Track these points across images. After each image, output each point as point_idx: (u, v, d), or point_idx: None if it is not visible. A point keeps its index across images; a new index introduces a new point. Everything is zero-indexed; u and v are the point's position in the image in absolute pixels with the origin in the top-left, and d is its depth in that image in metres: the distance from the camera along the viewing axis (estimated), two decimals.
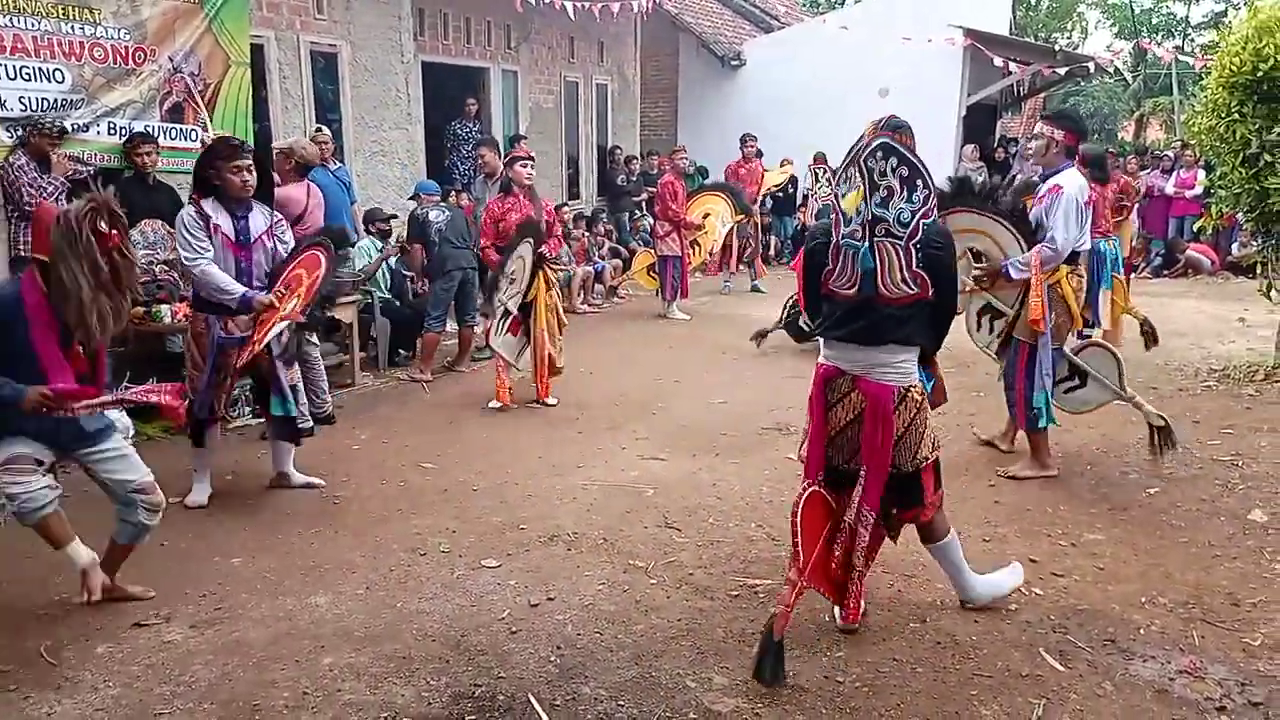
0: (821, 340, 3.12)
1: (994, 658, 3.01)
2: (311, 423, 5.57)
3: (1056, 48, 19.10)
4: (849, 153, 2.91)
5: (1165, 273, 11.64)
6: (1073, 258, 4.47)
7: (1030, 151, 4.64)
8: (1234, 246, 11.09)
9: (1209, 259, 11.32)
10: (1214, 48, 7.14)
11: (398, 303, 7.52)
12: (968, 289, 4.57)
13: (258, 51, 7.56)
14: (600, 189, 12.70)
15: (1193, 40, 26.88)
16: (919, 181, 2.83)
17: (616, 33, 12.72)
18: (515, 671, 2.97)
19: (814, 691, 2.84)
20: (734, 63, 14.84)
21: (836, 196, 2.98)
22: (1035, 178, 4.77)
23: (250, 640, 3.18)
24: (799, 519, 2.98)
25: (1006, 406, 4.76)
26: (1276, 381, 5.98)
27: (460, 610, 3.37)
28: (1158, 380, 6.29)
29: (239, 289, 4.14)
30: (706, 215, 9.60)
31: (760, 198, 11.20)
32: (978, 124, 14.92)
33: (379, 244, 7.49)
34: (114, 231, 2.92)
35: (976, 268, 4.50)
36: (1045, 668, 2.95)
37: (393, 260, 7.84)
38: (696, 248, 9.62)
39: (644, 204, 12.55)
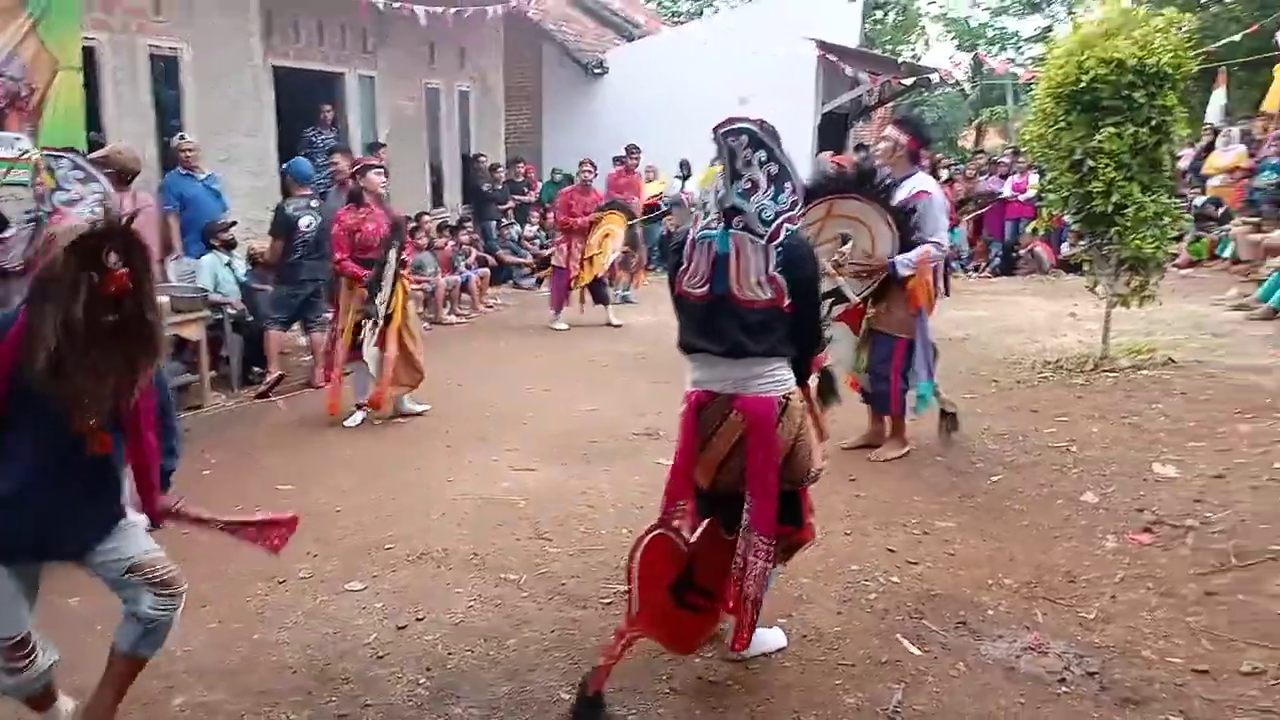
0: (688, 359, 2.88)
1: (856, 647, 3.13)
2: None
3: (902, 60, 20.06)
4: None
5: (1016, 271, 12.34)
6: None
7: (878, 152, 4.84)
8: (1063, 246, 11.89)
9: (1048, 257, 12.11)
10: (1042, 60, 7.65)
11: (250, 318, 7.19)
12: (825, 272, 4.73)
13: (90, 55, 7.09)
14: (465, 197, 12.53)
15: (1023, 53, 28.71)
16: (788, 184, 2.67)
17: (478, 39, 12.57)
18: (383, 698, 2.88)
19: (687, 693, 2.87)
20: (597, 70, 14.92)
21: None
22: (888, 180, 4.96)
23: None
24: (637, 563, 2.79)
25: (872, 399, 4.98)
26: (1104, 371, 6.44)
27: (323, 638, 3.25)
28: (999, 374, 6.68)
29: None
30: (606, 236, 9.34)
31: (645, 208, 11.24)
32: (831, 132, 15.50)
33: (224, 259, 7.15)
34: (122, 270, 2.13)
35: (840, 253, 4.69)
36: (903, 653, 3.08)
37: (243, 272, 7.51)
38: (589, 265, 9.29)
39: (509, 212, 12.46)
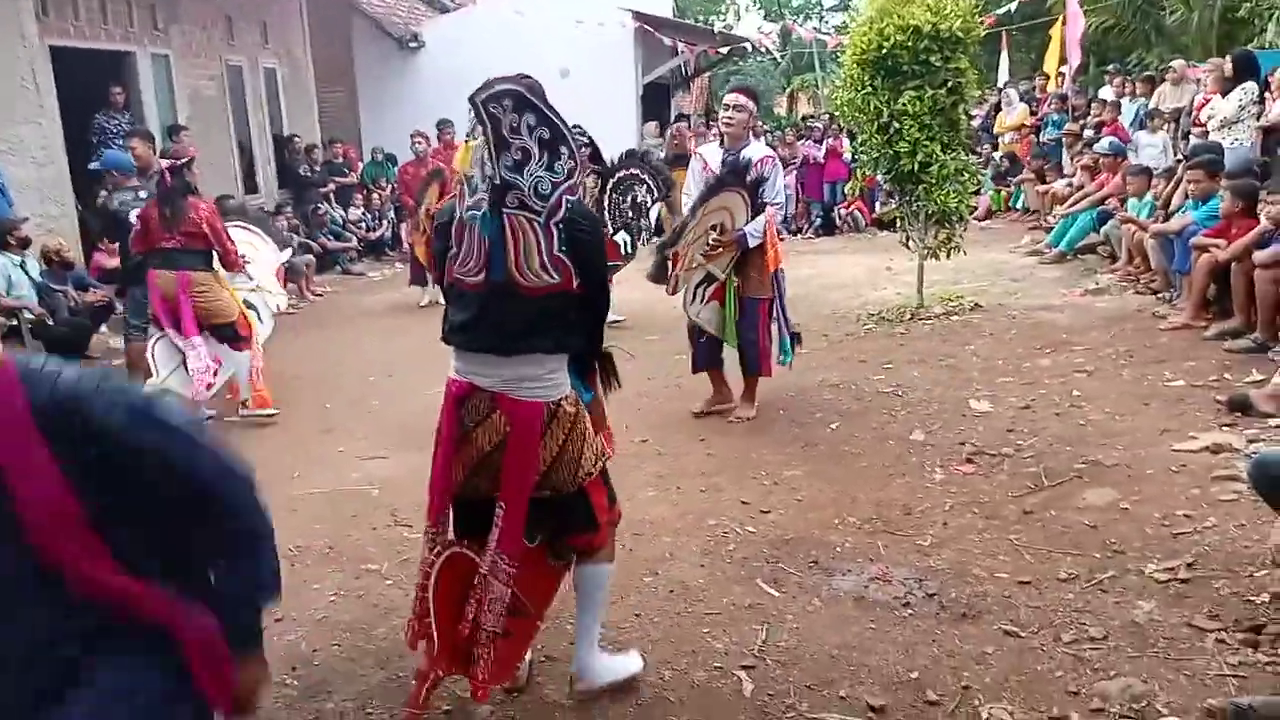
0: (452, 351, 2.53)
1: (720, 595, 3.27)
2: None
3: (715, 30, 20.55)
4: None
5: (836, 231, 12.94)
6: None
7: (733, 123, 4.80)
8: (875, 204, 12.62)
9: (863, 216, 12.80)
10: (844, 28, 8.05)
11: (50, 321, 6.62)
12: (696, 265, 4.86)
13: None
14: (281, 181, 11.91)
15: (826, 21, 30.05)
16: (563, 149, 2.29)
17: (280, 12, 11.93)
18: None
19: (561, 659, 2.92)
20: (411, 44, 14.49)
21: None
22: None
23: None
24: (431, 589, 2.46)
25: (742, 364, 5.06)
26: (921, 319, 6.93)
27: None
28: (828, 328, 7.05)
29: None
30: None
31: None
32: (653, 103, 15.72)
33: (16, 259, 6.54)
34: None
35: (714, 240, 4.77)
36: (764, 596, 3.25)
37: (37, 273, 6.91)
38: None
39: (330, 195, 11.96)
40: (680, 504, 4.07)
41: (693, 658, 2.90)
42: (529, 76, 2.33)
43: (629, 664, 2.79)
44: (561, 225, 2.32)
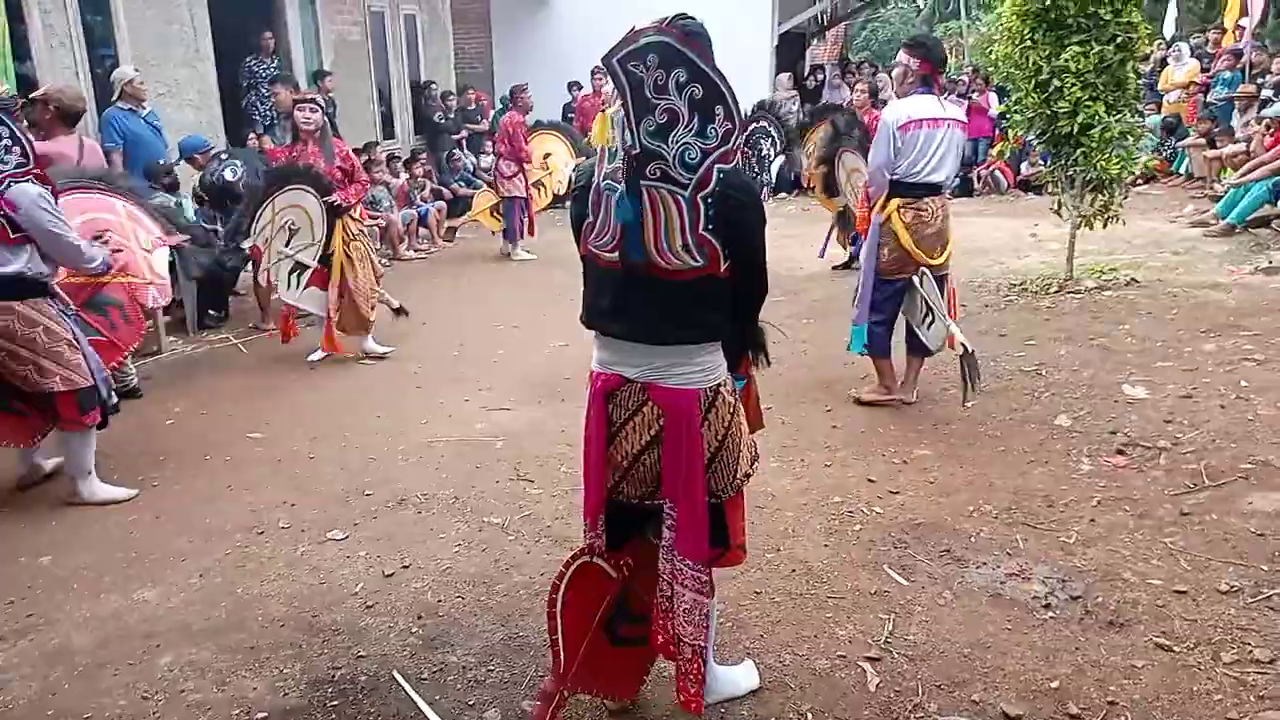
0: (594, 336, 2.28)
1: (844, 579, 3.16)
2: (115, 399, 5.11)
3: None
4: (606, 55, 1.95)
5: (973, 192, 12.26)
6: (912, 189, 4.44)
7: (894, 78, 4.54)
8: (1022, 165, 11.92)
9: (1006, 178, 12.10)
10: None
11: (203, 259, 6.94)
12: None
13: None
14: (416, 127, 12.13)
15: None
16: (718, 109, 1.93)
17: None
18: (376, 648, 2.85)
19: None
20: None
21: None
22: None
23: (74, 646, 2.90)
24: (560, 604, 2.33)
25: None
26: (1069, 293, 6.51)
27: (309, 589, 3.20)
28: (966, 298, 6.67)
29: (100, 252, 3.97)
30: (547, 155, 9.58)
31: None
32: (788, 53, 15.24)
33: (170, 200, 6.86)
34: None
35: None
36: (891, 584, 3.12)
37: (193, 212, 7.24)
38: (541, 188, 9.54)
39: (463, 142, 12.12)
40: (804, 477, 3.95)
41: (814, 644, 2.81)
42: (688, 17, 1.99)
43: (748, 679, 2.61)
44: (711, 200, 1.98)
